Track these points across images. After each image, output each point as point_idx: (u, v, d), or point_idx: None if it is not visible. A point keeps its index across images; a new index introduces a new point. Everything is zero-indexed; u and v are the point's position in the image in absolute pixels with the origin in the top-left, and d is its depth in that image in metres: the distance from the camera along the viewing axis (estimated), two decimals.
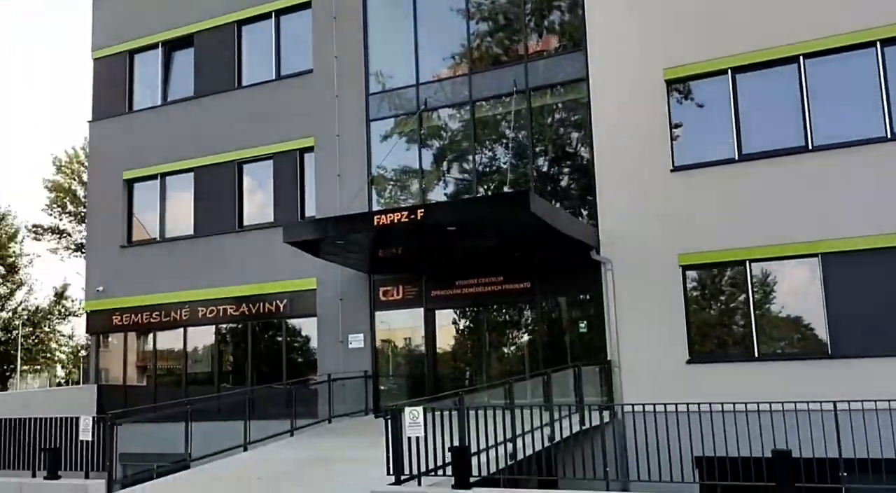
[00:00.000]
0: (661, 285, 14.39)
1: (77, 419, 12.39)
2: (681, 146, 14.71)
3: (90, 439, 11.99)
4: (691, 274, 14.40)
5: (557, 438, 11.13)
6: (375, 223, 13.24)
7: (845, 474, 11.55)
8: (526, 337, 16.20)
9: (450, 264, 16.23)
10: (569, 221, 14.29)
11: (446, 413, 9.52)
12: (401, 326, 17.31)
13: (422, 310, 16.74)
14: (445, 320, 16.93)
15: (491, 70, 16.82)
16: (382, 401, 16.73)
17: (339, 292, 17.45)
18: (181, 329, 19.40)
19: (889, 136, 13.20)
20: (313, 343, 17.85)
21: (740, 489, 9.86)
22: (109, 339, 20.56)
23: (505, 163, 16.43)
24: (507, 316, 16.66)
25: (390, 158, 17.33)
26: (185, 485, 11.13)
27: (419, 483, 9.21)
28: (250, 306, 18.52)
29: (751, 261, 13.94)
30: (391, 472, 9.25)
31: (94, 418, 12.42)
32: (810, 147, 13.73)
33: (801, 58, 13.92)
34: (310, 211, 18.46)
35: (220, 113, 19.55)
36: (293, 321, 18.30)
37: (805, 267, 13.66)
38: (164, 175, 20.29)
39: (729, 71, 14.45)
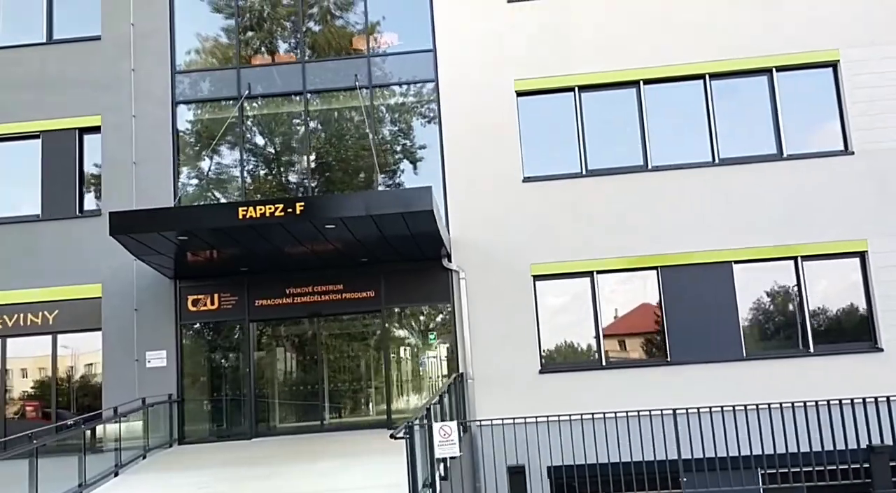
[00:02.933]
0: (513, 294, 14.28)
1: None
2: (531, 157, 14.81)
3: None
4: (541, 285, 14.48)
5: None
6: (240, 216, 11.29)
7: (685, 479, 12.52)
8: (371, 351, 15.02)
9: (279, 269, 14.50)
10: (444, 225, 13.56)
11: None
12: (214, 341, 15.05)
13: (243, 321, 14.70)
14: (273, 332, 15.08)
15: (330, 60, 15.51)
16: (188, 428, 14.40)
17: (134, 300, 14.64)
18: None
19: (715, 161, 14.59)
20: (97, 363, 14.70)
21: None
22: None
23: (342, 159, 15.29)
24: (348, 328, 15.29)
25: (201, 150, 15.10)
26: None
27: None
28: (4, 318, 14.75)
29: (597, 272, 14.43)
30: None
31: None
32: (648, 167, 14.66)
33: (641, 83, 14.87)
34: (89, 204, 15.38)
35: None
36: (67, 338, 14.92)
37: (647, 278, 14.48)
38: None
39: (575, 88, 14.93)
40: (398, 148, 15.45)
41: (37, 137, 15.40)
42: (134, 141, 15.10)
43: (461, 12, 15.19)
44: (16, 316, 14.78)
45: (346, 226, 11.74)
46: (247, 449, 13.08)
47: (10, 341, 14.90)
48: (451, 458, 8.31)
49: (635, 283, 14.56)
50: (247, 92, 15.21)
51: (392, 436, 7.53)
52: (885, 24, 14.49)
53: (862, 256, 14.10)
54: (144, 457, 12.73)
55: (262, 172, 15.62)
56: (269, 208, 11.18)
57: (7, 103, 15.34)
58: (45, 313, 14.78)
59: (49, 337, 14.84)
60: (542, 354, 14.25)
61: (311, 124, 15.43)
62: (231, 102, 15.37)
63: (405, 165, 15.45)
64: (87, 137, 15.51)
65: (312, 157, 15.33)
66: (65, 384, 14.93)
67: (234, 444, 13.79)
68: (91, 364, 14.86)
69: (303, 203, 11.32)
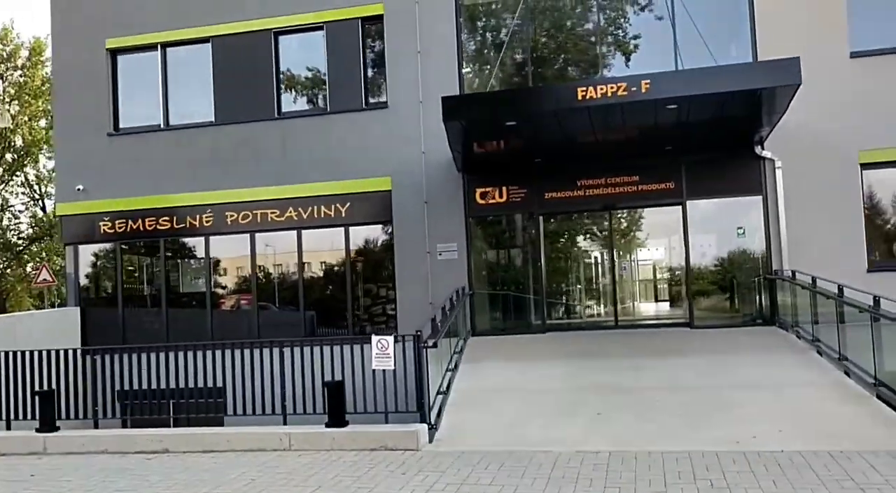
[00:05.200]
0: (836, 185, 12.78)
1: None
2: (859, 29, 12.94)
3: None
4: (871, 174, 12.84)
5: None
6: (579, 97, 10.57)
7: None
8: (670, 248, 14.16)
9: (570, 159, 13.79)
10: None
11: None
12: (502, 234, 14.76)
13: (532, 214, 14.26)
14: (562, 226, 14.56)
15: None
16: (478, 321, 14.31)
17: (424, 193, 14.53)
18: (201, 239, 15.73)
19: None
20: (387, 255, 14.86)
21: None
22: (96, 249, 16.39)
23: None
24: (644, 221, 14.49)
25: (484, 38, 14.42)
26: None
27: None
28: (300, 210, 15.15)
29: None
30: None
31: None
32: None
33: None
34: (377, 97, 15.29)
35: None
36: (359, 229, 15.16)
37: None
38: (165, 45, 16.09)
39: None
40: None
41: (320, 28, 15.34)
42: (418, 29, 14.66)
43: None
44: (310, 208, 15.10)
45: (689, 106, 10.71)
46: (557, 343, 12.75)
47: (304, 232, 15.29)
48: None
49: None
50: None
51: None
52: None
53: None
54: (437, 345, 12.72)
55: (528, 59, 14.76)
56: (612, 88, 10.39)
57: None
58: (338, 205, 15.00)
59: (342, 229, 15.09)
60: (871, 251, 12.75)
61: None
62: None
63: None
64: (368, 27, 15.24)
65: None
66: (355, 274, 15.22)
67: (530, 338, 13.52)
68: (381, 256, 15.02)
69: (648, 81, 10.40)
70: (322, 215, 15.06)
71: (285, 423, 8.88)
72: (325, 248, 15.42)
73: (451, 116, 11.15)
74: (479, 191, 14.41)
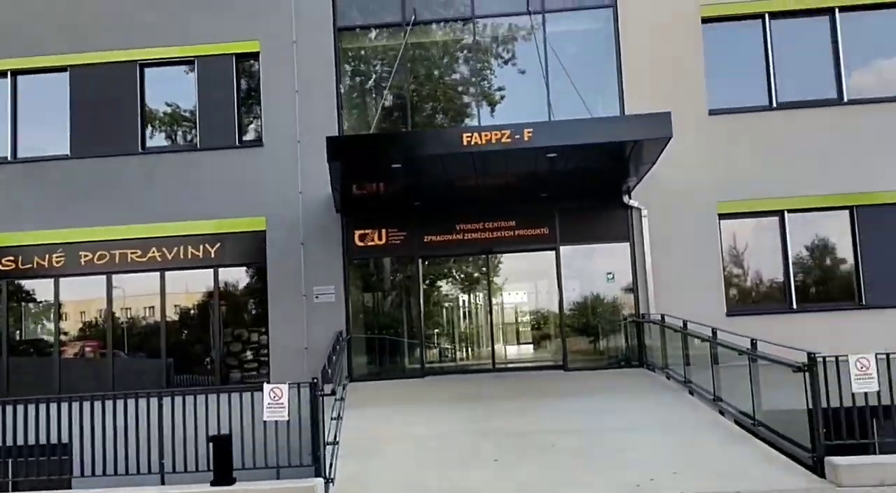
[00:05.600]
0: (696, 233, 13.62)
1: None
2: (715, 89, 13.99)
3: None
4: (727, 223, 13.80)
5: None
6: (464, 143, 10.67)
7: None
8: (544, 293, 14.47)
9: (449, 204, 13.92)
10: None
11: None
12: (381, 277, 14.58)
13: (411, 257, 14.20)
14: (441, 269, 14.58)
15: None
16: (356, 364, 14.02)
17: (301, 235, 14.14)
18: (50, 280, 14.49)
19: None
20: (260, 298, 14.27)
21: None
22: None
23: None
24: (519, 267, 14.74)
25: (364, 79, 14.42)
26: None
27: None
28: (164, 250, 14.31)
29: (787, 211, 13.72)
30: None
31: None
32: (844, 100, 13.81)
33: (836, 10, 13.92)
34: (250, 135, 14.82)
35: None
36: (230, 271, 14.49)
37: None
38: (15, 73, 14.90)
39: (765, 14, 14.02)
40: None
41: (191, 62, 14.75)
42: (296, 69, 14.40)
43: None
44: (176, 249, 14.31)
45: (567, 155, 11.08)
46: (438, 387, 12.63)
47: (168, 274, 14.44)
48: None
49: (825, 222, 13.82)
50: (413, 17, 14.41)
51: None
52: None
53: None
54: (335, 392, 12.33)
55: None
56: (496, 134, 10.56)
57: (155, 24, 14.63)
58: (207, 245, 14.29)
59: (211, 270, 14.37)
60: (729, 296, 13.62)
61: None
62: (395, 27, 14.60)
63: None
64: (243, 64, 14.83)
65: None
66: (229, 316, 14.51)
67: (409, 382, 13.34)
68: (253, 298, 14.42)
69: (531, 129, 10.66)
70: (189, 256, 14.29)
71: (163, 482, 8.18)
72: (192, 290, 14.62)
73: (337, 156, 10.96)
74: (357, 233, 14.20)
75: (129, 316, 14.63)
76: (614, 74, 14.19)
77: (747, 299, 13.92)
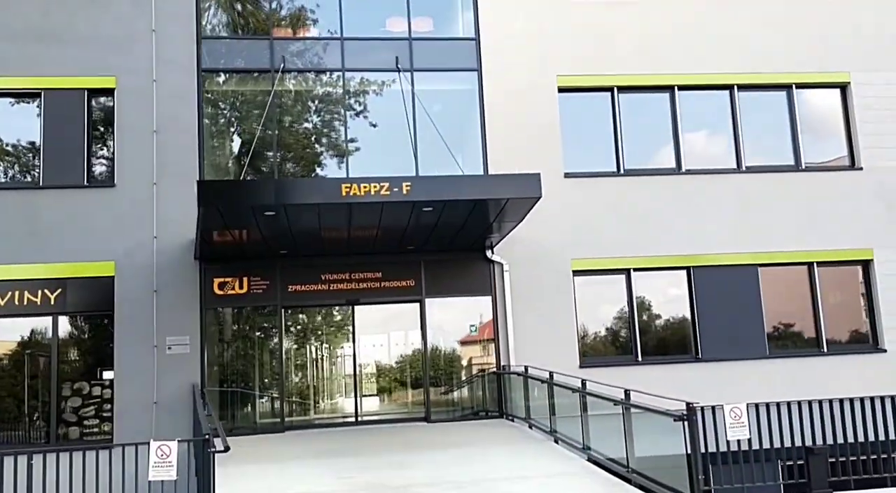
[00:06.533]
0: (553, 288, 14.34)
1: None
2: (571, 154, 14.94)
3: None
4: (580, 280, 14.63)
5: None
6: (343, 193, 10.65)
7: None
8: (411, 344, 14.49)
9: (314, 253, 13.78)
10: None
11: None
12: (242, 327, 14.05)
13: (274, 307, 13.83)
14: (304, 320, 14.27)
15: (370, 39, 14.95)
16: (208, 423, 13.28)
17: (154, 282, 13.39)
18: None
19: (741, 168, 15.34)
20: (105, 349, 13.29)
21: None
22: None
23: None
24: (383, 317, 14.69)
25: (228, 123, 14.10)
26: None
27: None
28: None
29: (633, 270, 14.75)
30: None
31: None
32: (682, 170, 15.20)
33: (676, 88, 15.37)
34: (100, 174, 14.00)
35: None
36: (71, 319, 13.42)
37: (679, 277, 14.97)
38: None
39: (614, 88, 15.23)
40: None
41: (37, 95, 13.77)
42: (155, 108, 13.82)
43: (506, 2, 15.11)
44: (10, 294, 13.09)
45: (442, 209, 11.34)
46: (302, 442, 12.25)
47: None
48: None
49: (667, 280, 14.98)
50: (282, 65, 14.33)
51: None
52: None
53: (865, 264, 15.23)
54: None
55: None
56: (375, 187, 10.63)
57: (6, 56, 13.59)
58: (47, 291, 13.18)
59: (49, 318, 13.24)
60: (581, 349, 14.34)
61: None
62: (265, 74, 14.43)
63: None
64: (97, 100, 14.04)
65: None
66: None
67: (270, 437, 12.86)
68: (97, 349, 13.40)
69: (409, 183, 10.83)
70: (25, 302, 13.13)
71: None
72: (26, 339, 13.35)
73: (208, 200, 10.53)
74: (217, 281, 13.65)
75: None
76: (478, 134, 14.76)
77: (598, 351, 14.70)
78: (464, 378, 14.59)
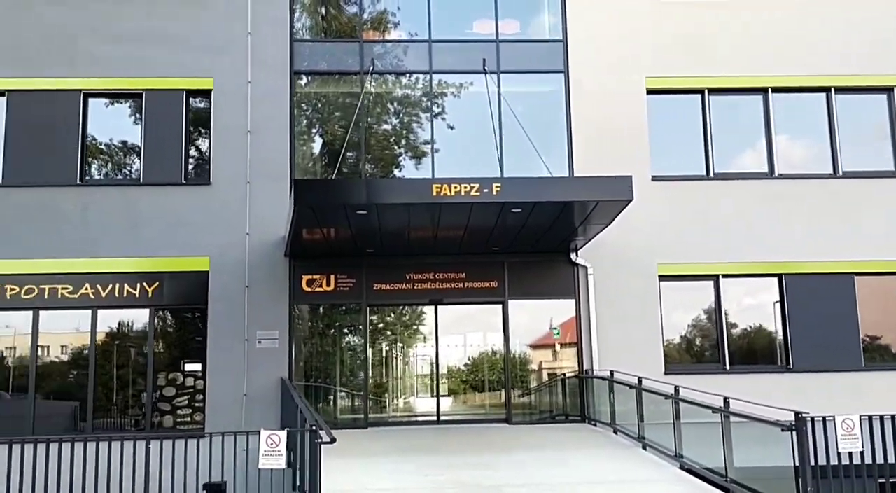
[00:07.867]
0: (639, 292, 14.15)
1: None
2: (659, 157, 14.72)
3: None
4: (667, 285, 14.39)
5: None
6: (434, 193, 10.76)
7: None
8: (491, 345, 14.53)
9: (399, 253, 13.93)
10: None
11: None
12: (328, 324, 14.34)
13: (359, 305, 14.05)
14: (389, 318, 14.47)
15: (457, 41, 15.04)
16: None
17: (246, 278, 13.76)
18: None
19: (837, 173, 14.86)
20: (199, 342, 13.73)
21: None
22: None
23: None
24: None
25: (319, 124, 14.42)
26: None
27: None
28: (98, 287, 13.63)
29: (722, 276, 14.44)
30: None
31: None
32: (774, 175, 14.81)
33: (770, 90, 14.98)
34: (197, 172, 14.46)
35: (58, 19, 14.27)
36: (167, 312, 13.92)
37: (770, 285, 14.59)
38: None
39: (705, 90, 14.94)
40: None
41: (139, 95, 14.32)
42: (249, 109, 14.20)
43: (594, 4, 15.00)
44: (111, 286, 13.64)
45: (531, 210, 11.33)
46: (386, 438, 12.39)
47: (101, 312, 13.72)
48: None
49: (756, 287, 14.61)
50: (371, 68, 14.56)
51: None
52: None
53: None
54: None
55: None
56: (465, 187, 10.69)
57: (105, 57, 14.18)
58: (145, 284, 13.70)
59: (147, 310, 13.76)
60: (667, 355, 14.11)
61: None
62: (351, 76, 14.69)
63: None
64: (193, 101, 14.53)
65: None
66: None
67: (354, 433, 13.01)
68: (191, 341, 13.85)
69: (499, 184, 10.86)
70: (125, 294, 13.66)
71: None
72: (126, 330, 13.91)
73: (304, 199, 10.75)
74: (305, 278, 13.95)
75: (57, 354, 13.77)
76: (563, 136, 14.68)
77: (683, 358, 14.44)
78: (536, 382, 14.51)
